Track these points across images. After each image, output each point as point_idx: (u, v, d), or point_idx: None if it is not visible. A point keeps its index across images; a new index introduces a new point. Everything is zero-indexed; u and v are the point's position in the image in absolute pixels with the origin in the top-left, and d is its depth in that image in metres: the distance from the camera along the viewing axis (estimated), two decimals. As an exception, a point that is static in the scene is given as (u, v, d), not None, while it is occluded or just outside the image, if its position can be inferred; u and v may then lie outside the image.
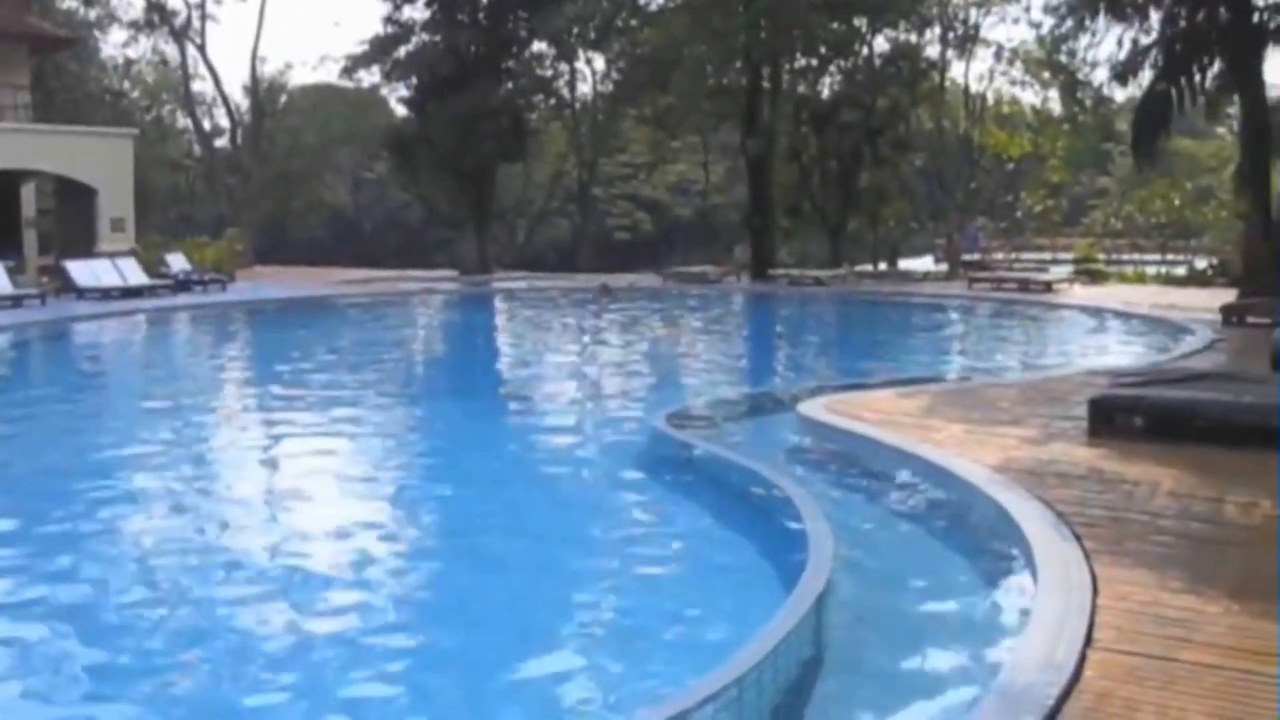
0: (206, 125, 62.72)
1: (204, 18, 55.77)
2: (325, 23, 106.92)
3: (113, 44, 61.89)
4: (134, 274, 33.16)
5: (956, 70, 48.97)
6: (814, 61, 43.43)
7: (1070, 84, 42.98)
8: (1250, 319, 22.27)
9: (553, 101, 52.13)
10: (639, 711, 5.75)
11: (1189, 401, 11.30)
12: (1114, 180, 64.45)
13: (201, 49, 56.47)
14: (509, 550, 9.59)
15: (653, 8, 44.32)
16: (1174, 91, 26.57)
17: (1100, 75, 38.89)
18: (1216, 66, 26.76)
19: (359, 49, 48.07)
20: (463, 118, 42.87)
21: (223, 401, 18.93)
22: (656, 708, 5.46)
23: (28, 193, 37.40)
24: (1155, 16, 27.96)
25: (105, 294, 31.43)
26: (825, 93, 44.28)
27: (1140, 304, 27.76)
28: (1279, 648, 5.86)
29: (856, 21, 41.95)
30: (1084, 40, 36.02)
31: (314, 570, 8.91)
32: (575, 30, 47.18)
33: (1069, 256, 46.01)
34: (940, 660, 6.92)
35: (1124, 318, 26.30)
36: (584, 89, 53.51)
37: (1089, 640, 6.02)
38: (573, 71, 52.15)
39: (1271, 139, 26.33)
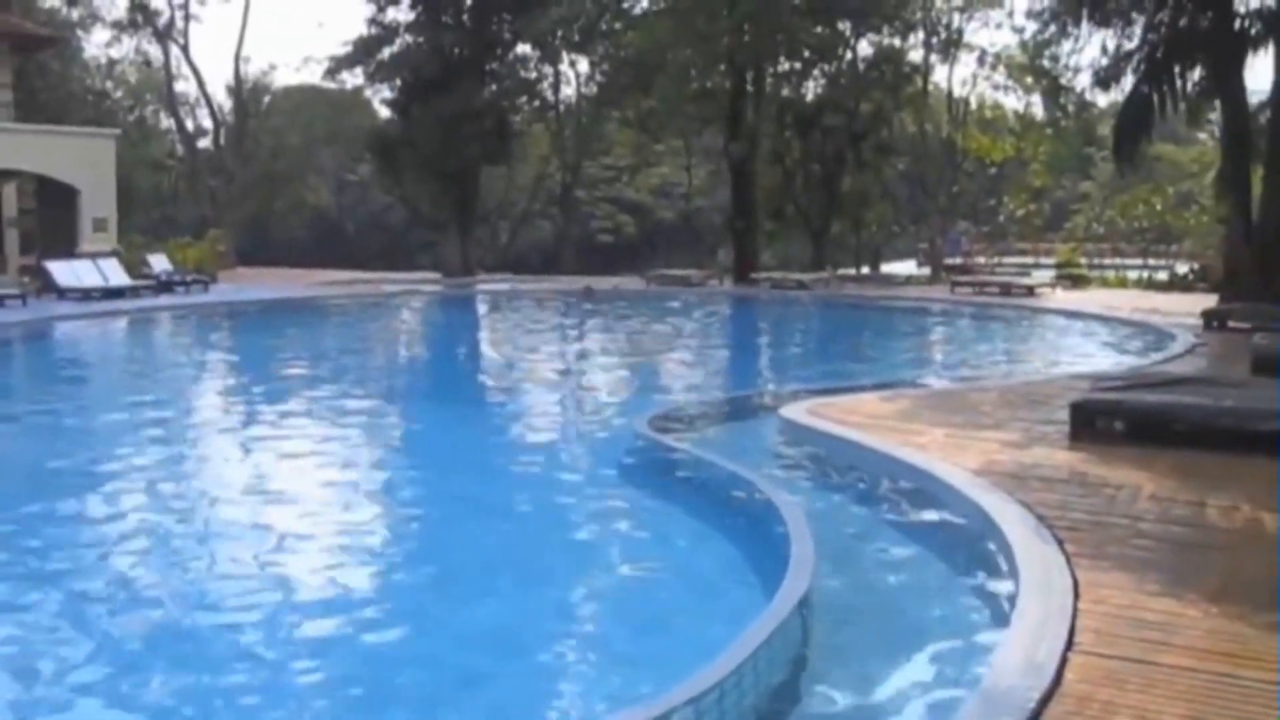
0: (189, 126, 62.70)
1: (187, 18, 55.74)
2: (309, 24, 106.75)
3: (95, 44, 61.97)
4: (116, 274, 33.07)
5: (940, 75, 49.08)
6: (797, 65, 43.52)
7: (1053, 89, 43.06)
8: (1231, 324, 22.36)
9: (536, 104, 52.10)
10: (619, 713, 5.75)
11: (1170, 406, 11.36)
12: (1096, 185, 64.76)
13: (185, 49, 56.41)
14: (486, 553, 9.57)
15: (636, 11, 44.38)
16: (1155, 97, 26.65)
17: (1082, 80, 38.92)
18: (1198, 72, 26.85)
19: (343, 50, 47.99)
20: (446, 120, 42.83)
21: (205, 402, 18.91)
22: (630, 713, 5.47)
23: (9, 192, 37.27)
24: (1138, 22, 28.03)
25: (87, 294, 31.35)
26: (809, 96, 44.34)
27: (1122, 308, 27.87)
28: (1257, 651, 5.90)
29: (840, 25, 42.07)
30: (1066, 46, 36.08)
31: (293, 576, 8.89)
32: (559, 33, 47.14)
33: (1051, 261, 46.16)
34: (922, 663, 6.93)
35: (1105, 322, 26.38)
36: (568, 91, 53.64)
37: (1070, 643, 6.04)
38: (557, 74, 52.20)
39: (1252, 144, 26.41)
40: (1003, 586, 7.50)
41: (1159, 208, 48.94)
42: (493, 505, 11.27)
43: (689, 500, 11.01)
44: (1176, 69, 26.54)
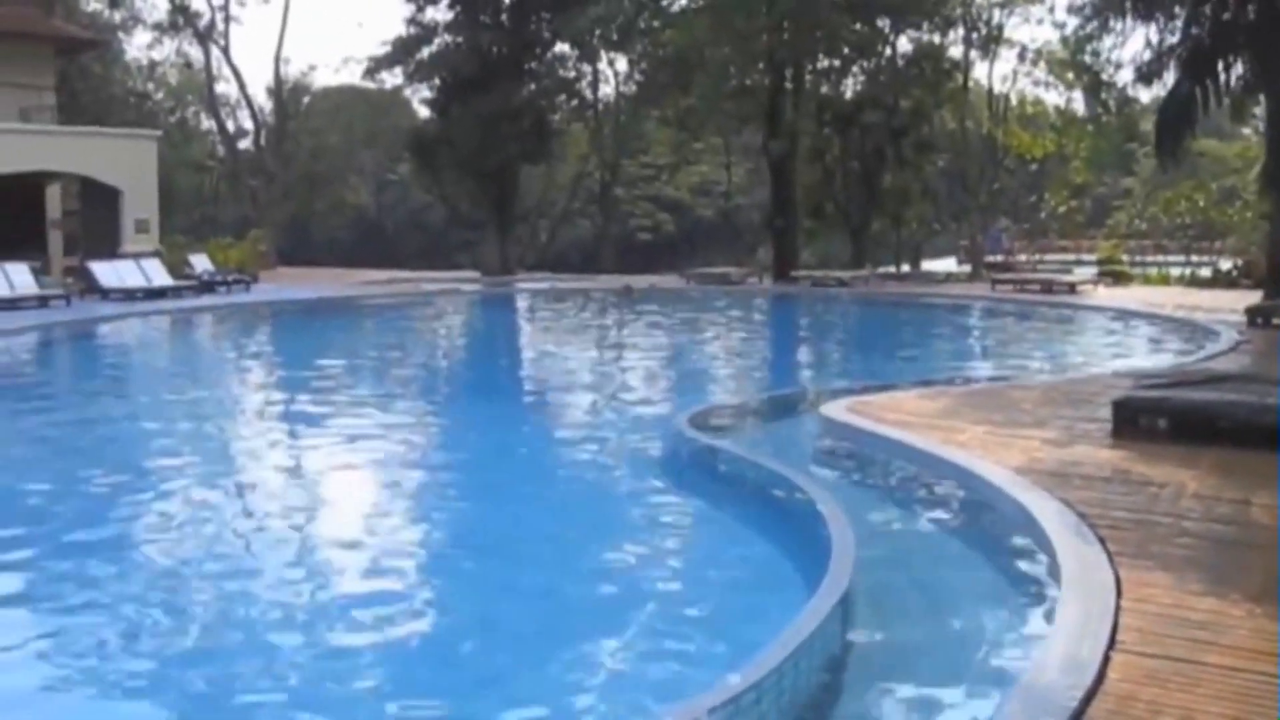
0: (230, 127, 63.06)
1: (228, 20, 56.12)
2: (348, 24, 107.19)
3: (137, 46, 62.50)
4: (158, 275, 33.31)
5: (980, 71, 49.13)
6: (837, 62, 43.38)
7: (1094, 84, 42.79)
8: (1275, 320, 22.18)
9: (575, 102, 52.15)
10: (656, 710, 5.73)
11: (1213, 403, 11.26)
12: (1138, 181, 64.29)
13: (225, 51, 56.81)
14: (525, 550, 9.59)
15: (675, 9, 44.28)
16: (1199, 91, 26.41)
17: (1124, 76, 38.83)
18: (1242, 66, 26.61)
19: (382, 50, 48.21)
20: (485, 119, 42.93)
21: (247, 400, 19.01)
22: (670, 711, 5.46)
23: (53, 194, 37.61)
24: (1181, 16, 27.78)
25: (129, 295, 31.61)
26: (848, 94, 44.20)
27: (1164, 305, 27.67)
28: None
29: (879, 22, 41.88)
30: (1108, 41, 35.96)
31: (339, 570, 8.94)
32: (597, 31, 47.16)
33: (1093, 258, 45.87)
34: (962, 662, 6.90)
35: (1148, 319, 26.18)
36: (606, 90, 53.60)
37: (1112, 642, 6.00)
38: (595, 72, 52.20)
39: (1297, 139, 26.18)
40: (1044, 585, 7.46)
41: (1202, 204, 48.53)
42: (534, 501, 11.32)
43: (729, 498, 11.00)
44: (1220, 63, 26.29)
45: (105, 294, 31.64)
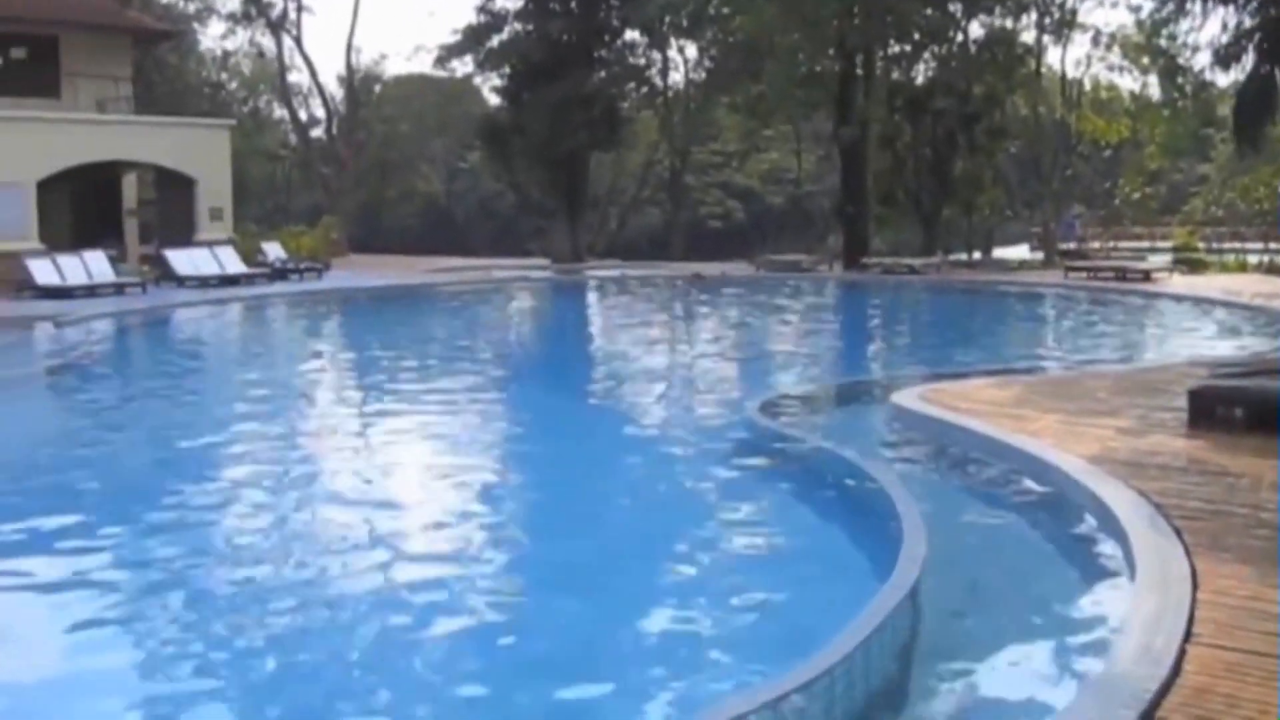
0: (302, 116, 63.57)
1: (300, 9, 56.61)
2: (419, 13, 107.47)
3: (211, 36, 63.12)
4: (232, 262, 33.66)
5: (1053, 56, 48.32)
6: (908, 48, 43.08)
7: (1170, 68, 42.24)
8: (1356, 308, 21.84)
9: (645, 90, 52.13)
10: (727, 699, 5.73)
11: (1292, 393, 11.09)
12: (1215, 167, 63.38)
13: (297, 40, 57.29)
14: (600, 535, 9.62)
15: (744, -5, 44.12)
16: (1278, 75, 26.02)
17: (1201, 59, 38.26)
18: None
19: (452, 38, 48.45)
20: (555, 106, 42.98)
21: (321, 384, 19.19)
22: (745, 696, 5.46)
23: (129, 183, 38.04)
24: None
25: (204, 282, 31.96)
26: (919, 79, 43.91)
27: (1241, 293, 27.28)
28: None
29: (951, 7, 41.55)
30: (1185, 23, 35.47)
31: (416, 552, 9.00)
32: (667, 18, 47.20)
33: (1168, 245, 45.25)
34: (1036, 652, 6.86)
35: (1224, 307, 25.85)
36: (676, 77, 53.54)
37: (1188, 635, 5.94)
38: (665, 59, 52.16)
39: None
40: (1119, 576, 7.40)
41: (1281, 189, 47.80)
42: (607, 486, 11.38)
43: (800, 485, 10.98)
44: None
45: (180, 281, 32.01)
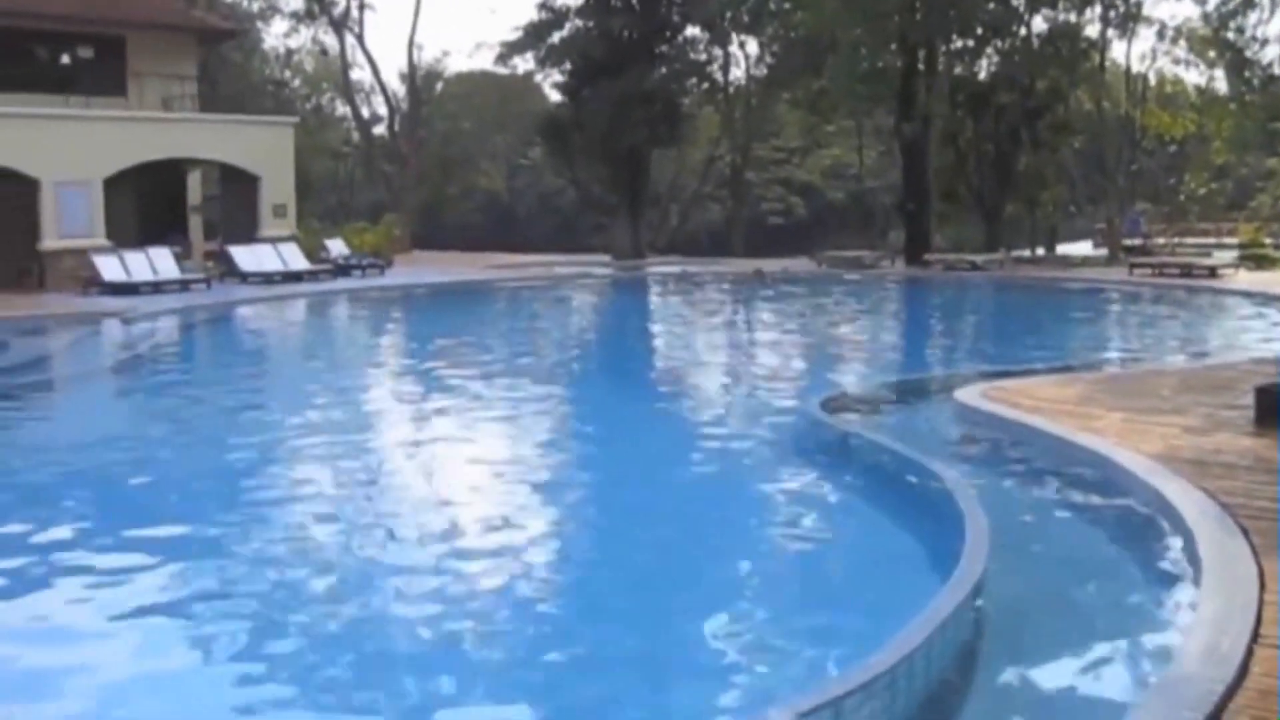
0: (365, 113, 64.00)
1: (362, 7, 56.97)
2: (481, 10, 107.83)
3: (274, 35, 63.74)
4: (295, 259, 33.94)
5: (1117, 50, 47.89)
6: (970, 42, 42.79)
7: (1237, 62, 41.78)
8: None
9: (706, 86, 52.15)
10: (791, 699, 5.74)
11: (1361, 391, 10.96)
12: (1283, 162, 62.63)
13: (360, 38, 57.66)
14: (661, 530, 9.64)
15: (806, -10, 44.00)
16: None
17: (1270, 53, 37.83)
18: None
19: (514, 35, 48.63)
20: (616, 103, 43.07)
21: (384, 379, 19.31)
22: (808, 696, 5.46)
23: (194, 180, 38.41)
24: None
25: (267, 278, 32.25)
26: (982, 74, 43.67)
27: (1310, 290, 26.97)
28: None
29: (1014, 1, 41.25)
30: (1252, 16, 35.03)
31: (476, 547, 9.04)
32: (728, 14, 47.16)
33: (1234, 241, 44.76)
34: (1101, 653, 6.81)
35: (1293, 304, 25.57)
36: (737, 73, 53.47)
37: (1255, 636, 5.88)
38: (726, 55, 52.12)
39: None
40: (1184, 576, 7.34)
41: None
42: (668, 481, 11.40)
43: (861, 482, 10.95)
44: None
45: (244, 277, 32.33)
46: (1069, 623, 7.26)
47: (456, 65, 65.94)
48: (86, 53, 36.10)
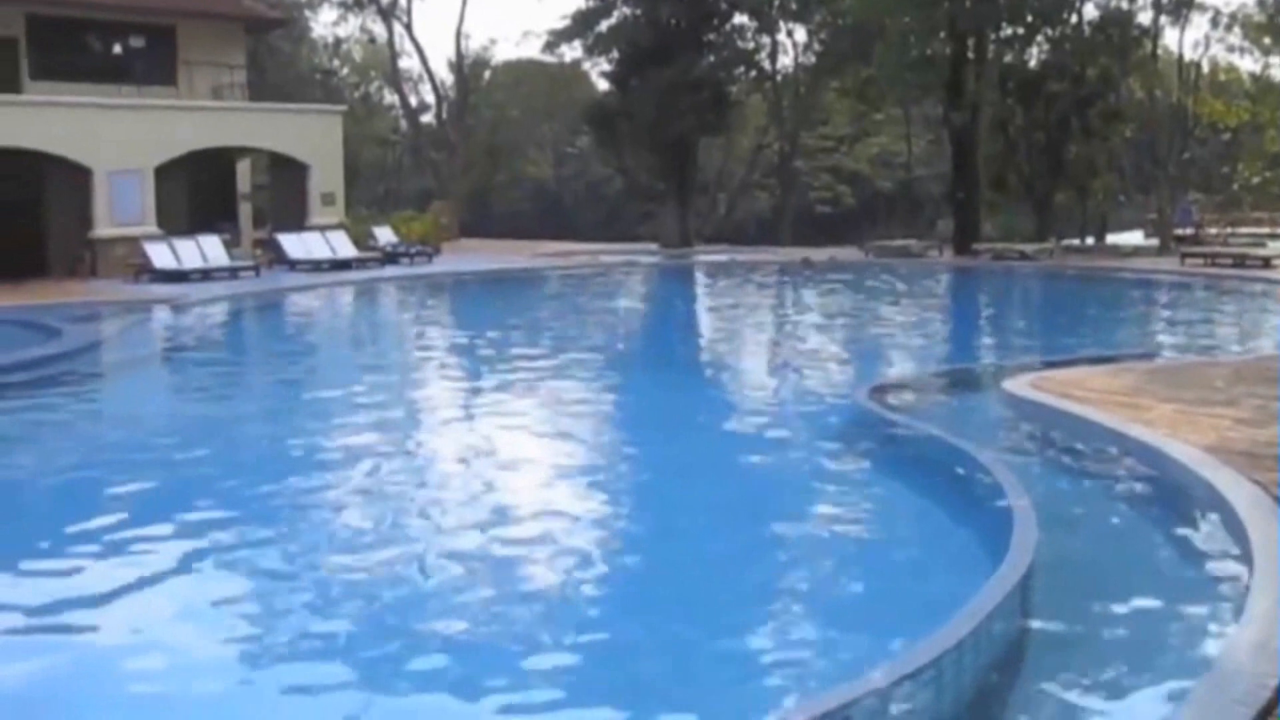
0: (413, 101, 64.15)
1: (410, -5, 56.94)
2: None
3: (322, 23, 63.82)
4: (343, 247, 34.13)
5: (1170, 37, 47.41)
6: (1020, 30, 42.43)
7: (1293, 49, 41.33)
8: None
9: (753, 74, 52.00)
10: (836, 688, 5.72)
11: None
12: (1339, 150, 61.95)
13: (408, 27, 57.77)
14: (709, 519, 9.64)
15: (855, -22, 43.79)
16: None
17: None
18: None
19: (561, 23, 48.79)
20: (664, 91, 43.00)
21: (432, 366, 19.38)
22: (852, 685, 5.45)
23: (243, 168, 38.65)
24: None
25: (316, 266, 32.46)
26: (1032, 62, 43.35)
27: (1365, 280, 26.67)
28: None
29: (1065, -13, 40.93)
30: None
31: (520, 537, 9.05)
32: (776, 1, 46.97)
33: (1289, 230, 44.33)
34: (1151, 646, 6.77)
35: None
36: (785, 61, 53.22)
37: (1308, 631, 5.83)
38: (774, 43, 51.89)
39: None
40: (1236, 569, 7.27)
41: None
42: (717, 469, 11.40)
43: (909, 472, 10.93)
44: None
45: (292, 265, 32.55)
46: (1118, 615, 7.17)
47: (504, 54, 66.08)
48: (138, 42, 36.43)
